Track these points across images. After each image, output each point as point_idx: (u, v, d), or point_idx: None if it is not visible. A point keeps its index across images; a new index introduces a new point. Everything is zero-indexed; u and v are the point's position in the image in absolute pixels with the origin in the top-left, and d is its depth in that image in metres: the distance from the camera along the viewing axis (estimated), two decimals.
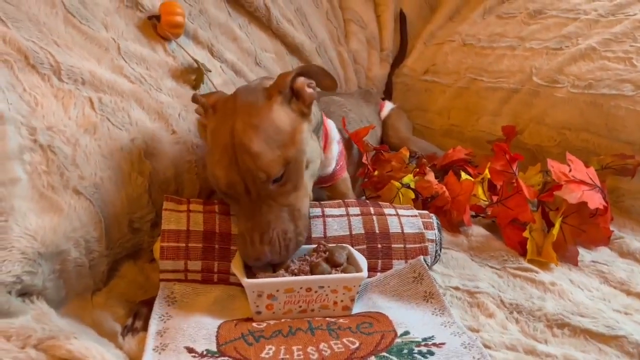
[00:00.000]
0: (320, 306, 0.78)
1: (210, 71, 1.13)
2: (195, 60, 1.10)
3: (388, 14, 1.82)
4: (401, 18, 1.85)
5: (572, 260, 0.98)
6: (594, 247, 1.05)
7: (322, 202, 0.94)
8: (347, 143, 1.19)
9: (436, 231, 0.93)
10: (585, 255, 1.01)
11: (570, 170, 1.03)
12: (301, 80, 0.86)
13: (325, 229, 0.89)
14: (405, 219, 0.92)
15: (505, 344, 0.74)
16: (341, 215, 0.91)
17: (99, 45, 0.95)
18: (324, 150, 0.97)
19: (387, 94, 1.77)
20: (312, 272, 0.79)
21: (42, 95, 0.82)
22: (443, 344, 0.70)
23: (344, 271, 0.79)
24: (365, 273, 0.78)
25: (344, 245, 0.85)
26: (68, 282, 0.80)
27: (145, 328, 0.75)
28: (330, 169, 1.01)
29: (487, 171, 1.13)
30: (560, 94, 1.32)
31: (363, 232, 0.89)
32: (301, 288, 0.76)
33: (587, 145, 1.27)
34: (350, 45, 1.76)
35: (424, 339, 0.72)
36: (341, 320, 0.76)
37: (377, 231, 0.90)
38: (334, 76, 0.89)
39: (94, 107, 0.88)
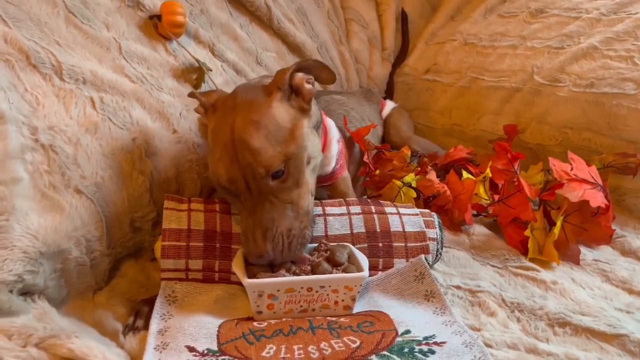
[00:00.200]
0: (321, 306, 0.78)
1: (211, 70, 1.13)
2: (197, 60, 1.10)
3: (389, 13, 1.82)
4: (403, 17, 1.84)
5: (573, 259, 0.98)
6: (596, 246, 1.04)
7: (323, 201, 0.94)
8: (348, 142, 1.19)
9: (437, 230, 0.93)
10: (587, 254, 1.01)
11: (572, 169, 1.03)
12: (299, 76, 0.86)
13: (326, 227, 0.89)
14: (407, 218, 0.92)
15: (506, 343, 0.74)
16: (342, 214, 0.91)
17: (100, 45, 0.95)
18: (323, 149, 0.97)
19: (389, 94, 1.77)
20: (313, 272, 0.79)
21: (44, 95, 0.82)
22: (444, 342, 0.70)
23: (345, 271, 0.79)
24: (366, 273, 0.77)
25: (345, 244, 0.85)
26: (69, 281, 0.80)
27: (146, 327, 0.75)
28: (329, 168, 1.01)
29: (488, 170, 1.13)
30: (562, 93, 1.32)
31: (364, 230, 0.89)
32: (302, 288, 0.76)
33: (589, 144, 1.27)
34: (351, 44, 1.75)
35: (425, 338, 0.72)
36: (342, 319, 0.76)
37: (378, 230, 0.90)
38: (332, 69, 0.89)
39: (95, 106, 0.88)
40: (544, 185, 1.14)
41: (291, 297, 0.76)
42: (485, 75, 1.52)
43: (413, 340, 0.71)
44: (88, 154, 0.84)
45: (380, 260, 0.88)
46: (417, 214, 0.94)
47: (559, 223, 0.99)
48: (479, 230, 1.10)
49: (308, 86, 0.86)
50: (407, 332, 0.73)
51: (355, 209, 0.92)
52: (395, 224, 0.91)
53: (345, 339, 0.71)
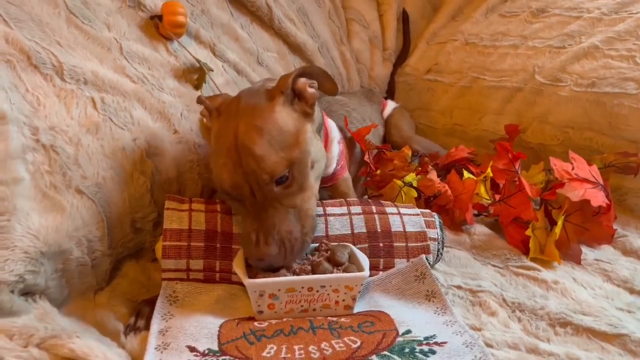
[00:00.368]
0: (322, 305, 0.78)
1: (212, 71, 1.13)
2: (197, 60, 1.10)
3: (390, 13, 1.82)
4: (404, 17, 1.84)
5: (575, 258, 0.98)
6: (597, 246, 1.04)
7: (324, 201, 0.94)
8: (349, 142, 1.19)
9: (438, 230, 0.93)
10: (588, 253, 1.01)
11: (573, 168, 1.03)
12: (302, 80, 0.86)
13: (327, 227, 0.89)
14: (407, 218, 0.92)
15: (507, 343, 0.74)
16: (343, 214, 0.91)
17: (101, 45, 0.95)
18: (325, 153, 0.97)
19: (390, 94, 1.77)
20: (313, 272, 0.79)
21: (45, 95, 0.82)
22: (445, 342, 0.70)
23: (345, 270, 0.79)
24: (367, 272, 0.78)
25: (345, 244, 0.85)
26: (70, 281, 0.80)
27: (147, 327, 0.75)
28: (331, 169, 1.01)
29: (489, 170, 1.13)
30: (563, 92, 1.32)
31: (365, 230, 0.89)
32: (303, 288, 0.76)
33: (590, 144, 1.27)
34: (352, 44, 1.75)
35: (426, 338, 0.72)
36: (343, 319, 0.76)
37: (379, 230, 0.89)
38: (335, 80, 0.89)
39: (96, 107, 0.88)
40: (545, 185, 1.14)
41: (292, 296, 0.76)
42: (486, 75, 1.52)
43: (414, 340, 0.71)
44: (89, 154, 0.84)
45: (381, 260, 0.88)
46: (418, 214, 0.94)
47: (560, 222, 0.99)
48: (480, 230, 1.10)
49: (311, 90, 0.86)
50: (408, 332, 0.73)
51: (356, 209, 0.92)
52: (396, 224, 0.91)
53: (346, 339, 0.71)
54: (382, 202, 0.96)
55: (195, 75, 1.10)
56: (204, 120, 1.03)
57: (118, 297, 0.86)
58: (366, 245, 0.88)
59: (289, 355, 0.67)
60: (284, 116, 0.82)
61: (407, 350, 0.69)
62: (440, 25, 1.80)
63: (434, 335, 0.72)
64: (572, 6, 1.44)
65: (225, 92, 1.03)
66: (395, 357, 0.67)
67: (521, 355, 0.71)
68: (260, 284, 0.75)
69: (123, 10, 1.02)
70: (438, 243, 0.92)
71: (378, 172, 1.21)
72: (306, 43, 1.50)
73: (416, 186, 1.14)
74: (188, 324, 0.73)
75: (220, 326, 0.74)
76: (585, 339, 0.76)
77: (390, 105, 1.58)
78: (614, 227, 1.05)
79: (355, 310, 0.80)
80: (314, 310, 0.78)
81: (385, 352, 0.68)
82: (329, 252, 0.82)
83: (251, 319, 0.77)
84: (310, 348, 0.69)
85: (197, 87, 1.09)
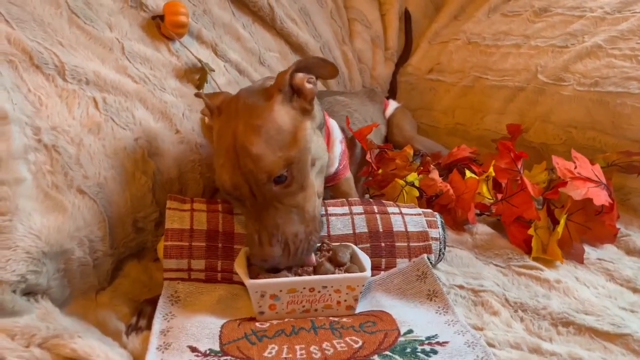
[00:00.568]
0: (323, 306, 0.78)
1: (214, 70, 1.13)
2: (199, 60, 1.10)
3: (392, 12, 1.82)
4: (406, 17, 1.84)
5: (577, 257, 0.98)
6: (600, 245, 1.04)
7: (326, 201, 0.93)
8: (350, 142, 1.19)
9: (440, 229, 0.93)
10: (591, 252, 1.01)
11: (575, 167, 1.02)
12: (300, 76, 0.85)
13: (328, 227, 0.89)
14: (409, 218, 0.92)
15: (509, 343, 0.73)
16: (344, 214, 0.91)
17: (103, 45, 0.95)
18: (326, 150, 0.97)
19: (392, 93, 1.77)
20: (315, 272, 0.79)
21: (47, 96, 0.83)
22: (447, 342, 0.70)
23: (347, 271, 0.79)
24: (368, 273, 0.77)
25: (347, 244, 0.85)
26: (72, 281, 0.80)
27: (149, 327, 0.75)
28: (333, 168, 1.01)
29: (491, 169, 1.13)
30: (566, 92, 1.32)
31: (366, 230, 0.89)
32: (304, 288, 0.76)
33: (593, 144, 1.26)
34: (354, 44, 1.75)
35: (428, 338, 0.72)
36: (344, 319, 0.76)
37: (381, 230, 0.89)
38: (332, 61, 0.87)
39: (98, 107, 0.88)
40: (548, 184, 1.14)
41: (293, 297, 0.76)
42: (488, 74, 1.52)
43: (415, 340, 0.71)
44: (91, 154, 0.84)
45: (383, 260, 0.88)
46: (419, 214, 0.93)
47: (562, 222, 0.98)
48: (482, 229, 1.10)
49: (309, 86, 0.85)
50: (410, 331, 0.73)
51: (358, 209, 0.92)
52: (397, 224, 0.91)
53: (347, 339, 0.71)
54: (384, 201, 0.96)
55: (197, 75, 1.10)
56: (206, 119, 1.04)
57: (120, 297, 0.86)
58: (368, 245, 0.88)
59: (290, 355, 0.67)
60: (282, 114, 0.82)
61: (408, 350, 0.69)
62: (443, 24, 1.79)
63: (436, 335, 0.72)
64: (575, 5, 1.43)
65: (225, 91, 1.03)
66: (397, 357, 0.67)
67: (523, 355, 0.71)
68: (261, 284, 0.75)
69: (125, 10, 1.02)
70: (440, 243, 0.92)
71: (380, 171, 1.21)
72: (308, 43, 1.50)
73: (418, 186, 1.14)
74: (190, 324, 0.73)
75: (222, 326, 0.74)
76: (588, 339, 0.75)
77: (392, 105, 1.58)
78: (617, 226, 1.05)
79: (357, 310, 0.79)
80: (316, 310, 0.78)
81: (387, 352, 0.68)
82: (330, 252, 0.82)
83: (252, 319, 0.77)
84: (312, 348, 0.69)
85: (198, 87, 1.09)
